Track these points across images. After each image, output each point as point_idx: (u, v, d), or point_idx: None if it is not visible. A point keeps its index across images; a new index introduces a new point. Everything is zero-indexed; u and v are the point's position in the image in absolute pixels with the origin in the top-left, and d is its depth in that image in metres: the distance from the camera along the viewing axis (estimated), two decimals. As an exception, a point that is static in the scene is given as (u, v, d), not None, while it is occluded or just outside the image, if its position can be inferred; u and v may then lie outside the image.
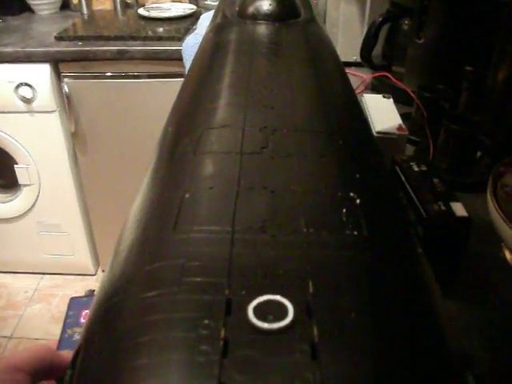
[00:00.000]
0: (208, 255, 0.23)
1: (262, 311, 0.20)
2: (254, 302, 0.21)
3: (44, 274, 2.13)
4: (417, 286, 0.24)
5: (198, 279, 0.22)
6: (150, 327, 0.20)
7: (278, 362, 0.19)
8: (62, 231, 1.99)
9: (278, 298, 0.21)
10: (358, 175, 0.32)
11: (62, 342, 0.40)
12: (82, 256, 2.08)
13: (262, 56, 0.53)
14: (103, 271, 2.13)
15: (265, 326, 0.20)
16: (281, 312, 0.20)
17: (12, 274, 2.12)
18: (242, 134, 0.34)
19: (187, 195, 0.28)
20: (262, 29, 0.64)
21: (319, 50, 0.61)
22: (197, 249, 0.24)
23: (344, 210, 0.27)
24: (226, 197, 0.28)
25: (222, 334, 0.19)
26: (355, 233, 0.25)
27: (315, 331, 0.20)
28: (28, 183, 1.85)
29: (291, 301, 0.21)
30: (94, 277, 2.13)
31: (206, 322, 0.20)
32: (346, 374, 0.19)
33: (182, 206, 0.27)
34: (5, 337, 1.84)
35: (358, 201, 0.28)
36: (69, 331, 0.41)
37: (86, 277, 2.12)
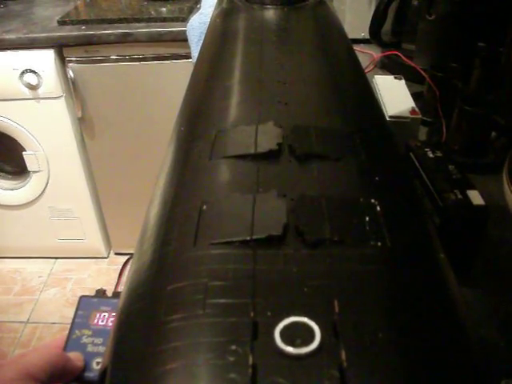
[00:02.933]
0: (231, 273, 0.23)
1: (289, 335, 0.20)
2: (281, 325, 0.21)
3: (57, 258, 2.15)
4: (444, 299, 0.24)
5: (223, 300, 0.22)
6: (176, 353, 0.20)
7: (308, 389, 0.19)
8: (74, 215, 2.00)
9: (304, 319, 0.21)
10: (377, 178, 0.31)
11: (70, 342, 0.40)
12: (94, 239, 2.09)
13: (273, 45, 0.52)
14: (115, 254, 2.14)
15: (293, 351, 0.20)
16: (308, 335, 0.20)
17: (25, 260, 2.14)
18: (257, 136, 0.34)
19: (205, 207, 0.28)
20: (271, 14, 0.63)
21: (329, 36, 0.60)
22: (219, 266, 0.24)
23: (367, 219, 0.26)
24: (245, 208, 0.27)
25: (251, 360, 0.19)
26: (379, 244, 0.25)
27: (343, 355, 0.20)
28: (37, 169, 1.85)
29: (317, 322, 0.21)
30: (107, 259, 2.15)
31: (234, 347, 0.20)
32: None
33: (200, 219, 0.27)
34: (21, 322, 1.87)
35: (378, 208, 0.28)
36: (77, 332, 0.40)
37: (99, 260, 2.14)
